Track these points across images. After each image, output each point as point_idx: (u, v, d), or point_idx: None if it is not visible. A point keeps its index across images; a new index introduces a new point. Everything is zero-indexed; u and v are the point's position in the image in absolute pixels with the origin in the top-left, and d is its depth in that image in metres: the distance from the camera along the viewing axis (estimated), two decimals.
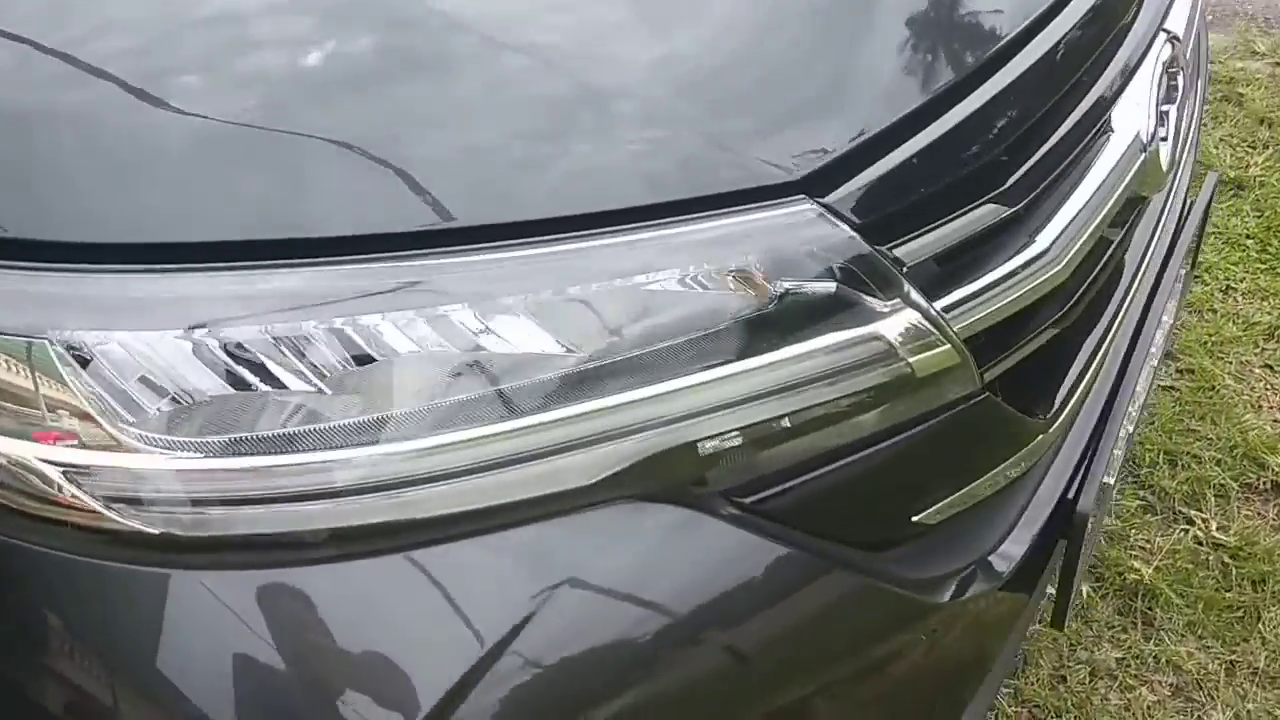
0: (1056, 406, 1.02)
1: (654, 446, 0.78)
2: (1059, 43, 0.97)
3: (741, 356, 0.79)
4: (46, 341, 0.71)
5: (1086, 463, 1.07)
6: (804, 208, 0.79)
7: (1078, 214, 0.95)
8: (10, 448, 0.73)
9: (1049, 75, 0.96)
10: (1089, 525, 1.04)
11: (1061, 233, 0.93)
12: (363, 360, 0.73)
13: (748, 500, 0.82)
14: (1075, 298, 1.00)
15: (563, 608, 0.74)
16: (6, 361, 0.73)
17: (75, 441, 0.73)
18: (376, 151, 0.77)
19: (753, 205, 0.79)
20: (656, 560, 0.78)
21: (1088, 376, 1.07)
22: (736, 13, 0.89)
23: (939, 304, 0.85)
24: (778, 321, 0.80)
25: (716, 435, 0.79)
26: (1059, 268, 0.92)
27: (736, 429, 0.80)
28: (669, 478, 0.79)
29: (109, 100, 0.80)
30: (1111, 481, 1.16)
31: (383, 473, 0.74)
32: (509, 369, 0.76)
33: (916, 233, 0.84)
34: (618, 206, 0.79)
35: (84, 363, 0.71)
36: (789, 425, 0.82)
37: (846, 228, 0.80)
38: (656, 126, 0.82)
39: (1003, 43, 0.93)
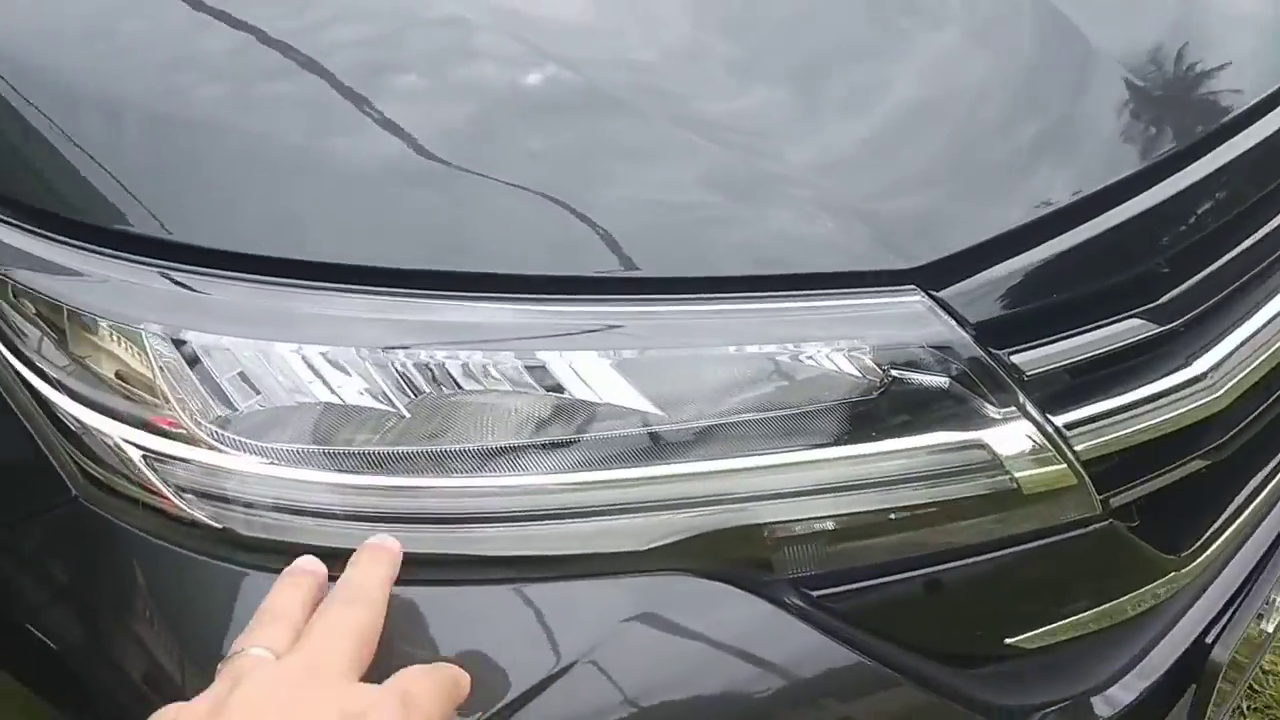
0: (1201, 542, 0.92)
1: (719, 523, 0.74)
2: (1261, 145, 0.88)
3: (831, 442, 0.75)
4: (142, 331, 0.74)
5: (1235, 607, 0.97)
6: (913, 299, 0.74)
7: (1251, 338, 0.86)
8: (106, 426, 0.76)
9: (1242, 180, 0.87)
10: (1222, 676, 0.94)
11: (1226, 358, 0.84)
12: (449, 390, 0.73)
13: (817, 594, 0.78)
14: (1239, 427, 0.91)
15: (591, 674, 0.72)
16: (128, 347, 0.77)
17: (183, 430, 0.76)
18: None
19: (866, 290, 0.75)
20: (704, 642, 0.75)
21: (1249, 512, 0.97)
22: (878, 90, 0.84)
23: (1062, 418, 0.78)
24: (878, 411, 0.76)
25: (789, 521, 0.75)
26: (1216, 396, 0.84)
27: (812, 518, 0.76)
28: (731, 557, 0.76)
29: (294, 111, 0.83)
30: (1271, 629, 1.05)
31: (441, 506, 0.74)
32: (589, 419, 0.75)
33: (1044, 340, 0.77)
34: (729, 274, 0.76)
35: (181, 358, 0.74)
36: (871, 523, 0.77)
37: (957, 325, 0.75)
38: (780, 198, 0.78)
39: (1189, 140, 0.85)
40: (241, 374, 0.74)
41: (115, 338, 0.76)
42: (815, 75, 0.86)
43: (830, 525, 0.76)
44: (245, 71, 0.85)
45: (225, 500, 0.74)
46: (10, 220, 0.80)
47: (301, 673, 0.54)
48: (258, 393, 0.74)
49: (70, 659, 0.84)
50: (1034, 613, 0.86)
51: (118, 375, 0.77)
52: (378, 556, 0.65)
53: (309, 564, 0.66)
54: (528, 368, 0.73)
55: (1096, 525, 0.83)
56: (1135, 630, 0.93)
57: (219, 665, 0.57)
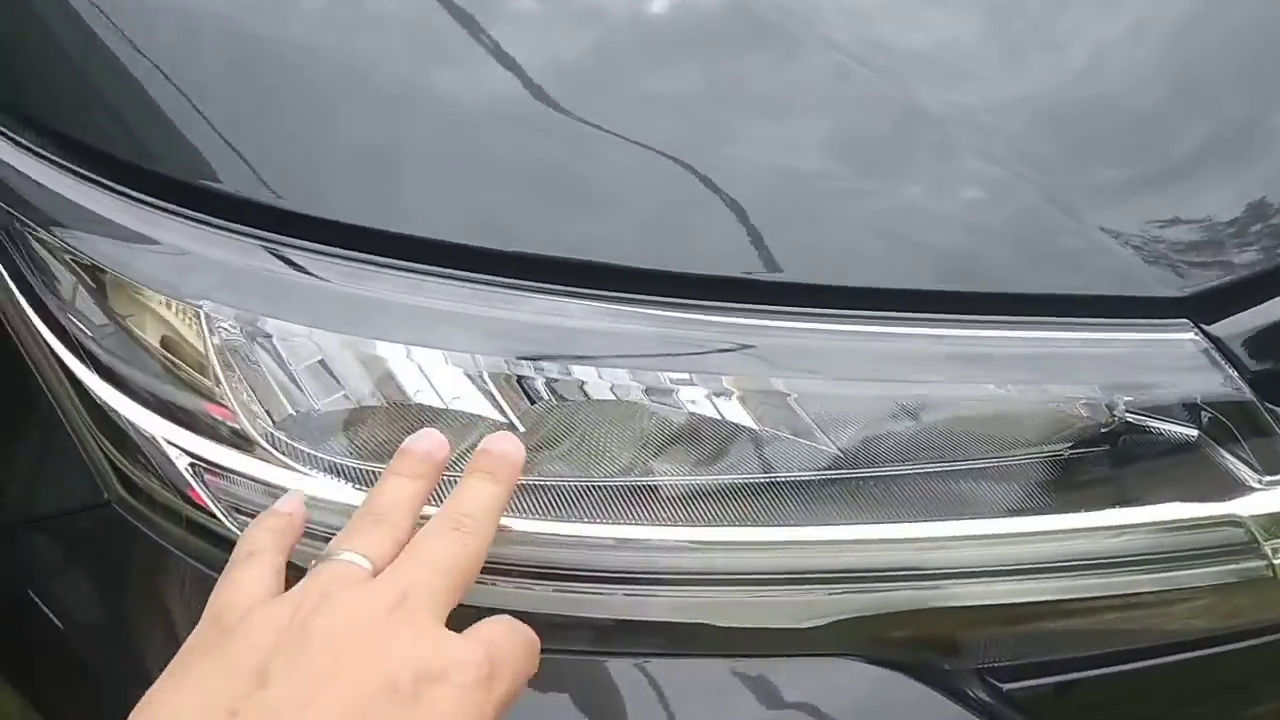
0: None
1: (900, 602, 0.60)
2: None
3: (1041, 508, 0.60)
4: (200, 310, 0.59)
5: None
6: (1185, 337, 0.58)
7: None
8: (146, 422, 0.62)
9: None
10: None
11: None
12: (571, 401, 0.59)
13: (1007, 687, 0.63)
14: None
15: None
16: (180, 311, 0.62)
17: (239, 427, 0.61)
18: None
19: (1111, 321, 0.59)
20: None
21: None
22: (1132, 40, 0.66)
23: None
24: (1103, 468, 0.60)
25: (980, 606, 0.60)
26: None
27: (1009, 604, 0.60)
28: (908, 641, 0.61)
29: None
30: None
31: (553, 557, 0.59)
32: (740, 456, 0.59)
33: None
34: (923, 288, 0.61)
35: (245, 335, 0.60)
36: (1085, 607, 0.62)
37: (1233, 371, 0.58)
38: (1005, 197, 0.63)
39: None
40: (322, 362, 0.60)
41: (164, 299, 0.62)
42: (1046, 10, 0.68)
43: (1031, 611, 0.61)
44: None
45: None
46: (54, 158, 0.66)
47: (390, 606, 0.49)
48: (341, 388, 0.59)
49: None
50: (1239, 708, 0.71)
51: (163, 344, 0.63)
52: (495, 468, 0.56)
53: (426, 446, 0.56)
54: (666, 389, 0.58)
55: None
56: None
57: (312, 561, 0.52)
